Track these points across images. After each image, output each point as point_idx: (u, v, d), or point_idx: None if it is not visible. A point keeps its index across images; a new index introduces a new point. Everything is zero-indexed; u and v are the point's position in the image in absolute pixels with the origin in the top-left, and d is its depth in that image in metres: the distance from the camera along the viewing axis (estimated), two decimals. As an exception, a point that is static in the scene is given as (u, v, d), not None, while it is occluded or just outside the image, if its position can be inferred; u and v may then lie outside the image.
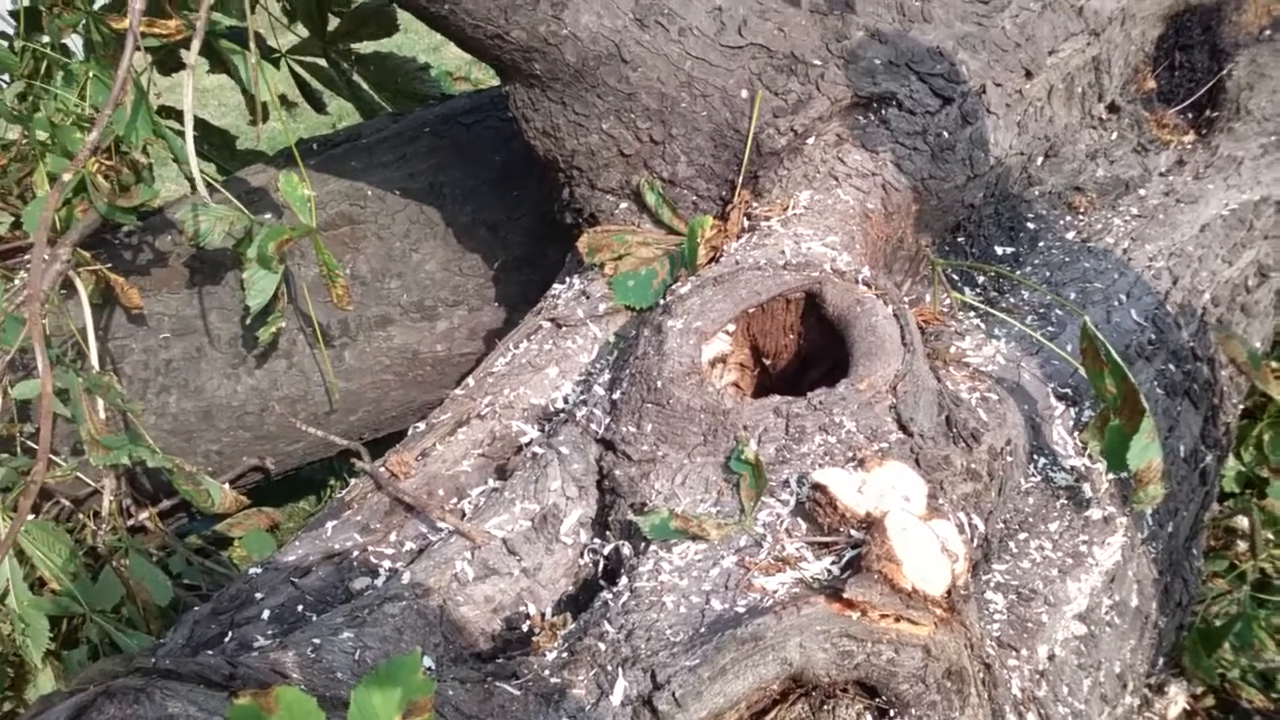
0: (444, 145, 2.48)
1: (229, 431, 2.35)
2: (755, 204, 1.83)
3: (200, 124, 2.57)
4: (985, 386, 1.66)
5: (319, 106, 2.79)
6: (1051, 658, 1.41)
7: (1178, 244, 2.01)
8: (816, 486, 1.28)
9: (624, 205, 1.94)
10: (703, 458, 1.38)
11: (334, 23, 2.58)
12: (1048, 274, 1.91)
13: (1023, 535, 1.53)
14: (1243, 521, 2.05)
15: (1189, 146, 2.30)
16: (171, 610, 1.96)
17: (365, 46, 2.64)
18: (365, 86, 2.68)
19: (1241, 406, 2.09)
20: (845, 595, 1.14)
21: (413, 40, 6.30)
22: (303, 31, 2.60)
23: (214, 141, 2.71)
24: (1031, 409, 1.66)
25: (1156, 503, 1.55)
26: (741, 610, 1.18)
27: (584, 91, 1.86)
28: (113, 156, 1.96)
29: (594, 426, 1.51)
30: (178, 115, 2.45)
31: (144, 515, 2.16)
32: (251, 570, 1.47)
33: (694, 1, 1.84)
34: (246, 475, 2.44)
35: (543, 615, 1.40)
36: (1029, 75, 2.09)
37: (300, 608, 1.40)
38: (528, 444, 1.62)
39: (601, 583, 1.41)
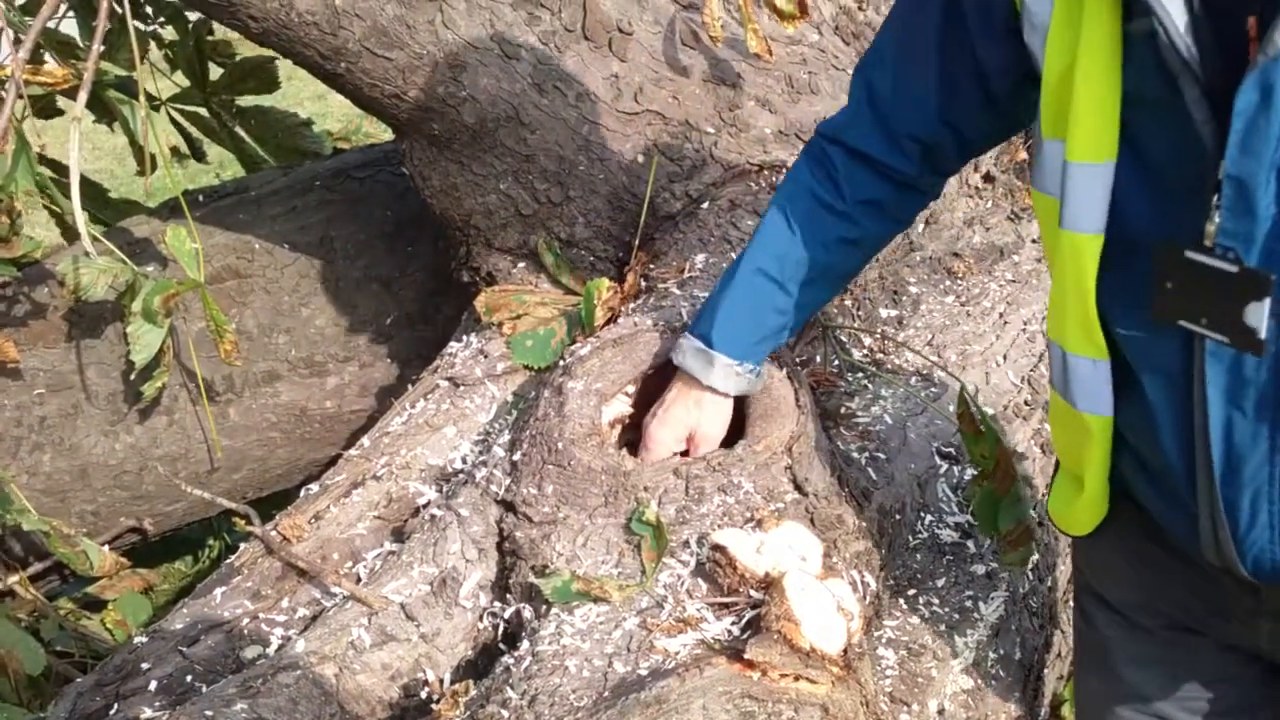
0: (335, 199, 2.47)
1: (105, 491, 2.27)
2: (652, 266, 1.87)
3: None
4: (874, 446, 1.71)
5: (199, 155, 2.74)
6: (941, 712, 1.45)
7: (1049, 308, 2.11)
8: (716, 547, 1.31)
9: (521, 265, 1.96)
10: (604, 519, 1.39)
11: (216, 74, 2.56)
12: (930, 336, 1.98)
13: (912, 591, 1.58)
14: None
15: (1057, 215, 2.43)
16: (43, 679, 1.87)
17: (247, 100, 2.61)
18: (247, 138, 2.64)
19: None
20: (746, 656, 1.17)
21: (298, 87, 6.23)
22: (183, 81, 2.56)
23: (86, 192, 2.63)
24: (917, 467, 1.72)
25: (1026, 564, 1.61)
26: (644, 672, 1.19)
27: (482, 152, 1.87)
28: (-13, 206, 1.90)
29: (494, 488, 1.51)
30: (49, 162, 2.37)
31: (13, 579, 2.06)
32: (137, 639, 1.43)
33: (591, 68, 1.88)
34: (123, 536, 2.35)
35: (441, 681, 1.39)
36: (910, 145, 2.18)
37: (189, 678, 1.36)
38: (426, 505, 1.61)
39: (502, 647, 1.40)
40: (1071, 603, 1.83)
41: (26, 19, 2.04)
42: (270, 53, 2.53)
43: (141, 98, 1.88)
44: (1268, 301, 0.94)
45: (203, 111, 2.59)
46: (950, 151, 1.33)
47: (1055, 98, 1.08)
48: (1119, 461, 1.19)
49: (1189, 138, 0.95)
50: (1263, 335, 0.95)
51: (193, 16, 2.49)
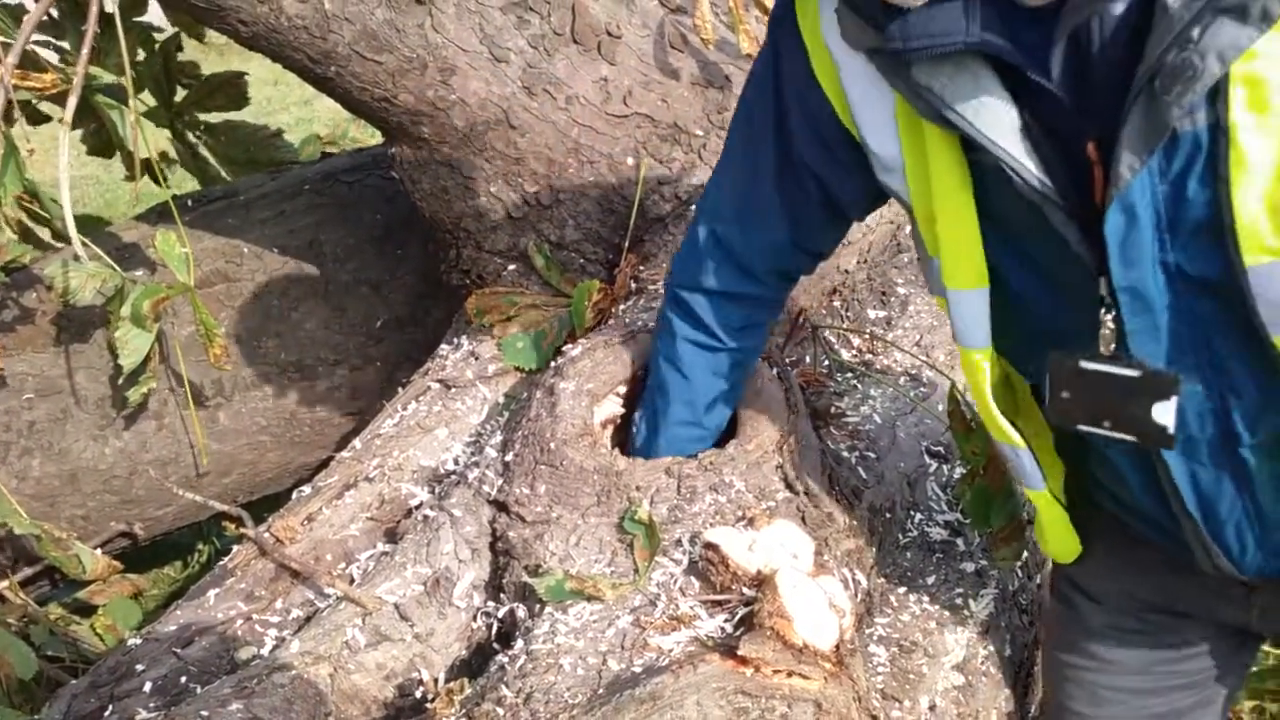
0: (324, 203, 2.47)
1: (95, 496, 2.26)
2: (642, 268, 1.88)
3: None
4: (864, 445, 1.73)
5: (157, 179, 2.72)
6: (932, 708, 1.46)
7: (1036, 308, 2.13)
8: (708, 545, 1.32)
9: (512, 267, 1.97)
10: (596, 518, 1.40)
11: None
12: (918, 337, 2.00)
13: (902, 589, 1.59)
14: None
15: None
16: (34, 684, 1.87)
17: (216, 116, 2.60)
18: (211, 160, 2.63)
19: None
20: (739, 652, 1.17)
21: (284, 92, 6.23)
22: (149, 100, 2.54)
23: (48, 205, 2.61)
24: (907, 466, 1.73)
25: (1018, 560, 1.62)
26: (638, 670, 1.20)
27: (472, 155, 1.88)
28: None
29: (486, 488, 1.51)
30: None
31: (3, 584, 2.06)
32: (131, 641, 1.43)
33: (580, 71, 1.89)
34: (113, 541, 2.34)
35: (436, 681, 1.39)
36: (897, 147, 2.20)
37: (184, 679, 1.36)
38: (418, 507, 1.62)
39: (496, 646, 1.41)
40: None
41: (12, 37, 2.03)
42: (239, 68, 2.55)
43: (132, 101, 1.88)
44: (1174, 400, 0.99)
45: (167, 132, 2.58)
46: (808, 264, 1.42)
47: (928, 227, 1.12)
48: (1098, 496, 1.23)
49: (1069, 251, 0.99)
50: (1172, 430, 1.00)
51: (160, 36, 2.48)
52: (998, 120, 0.94)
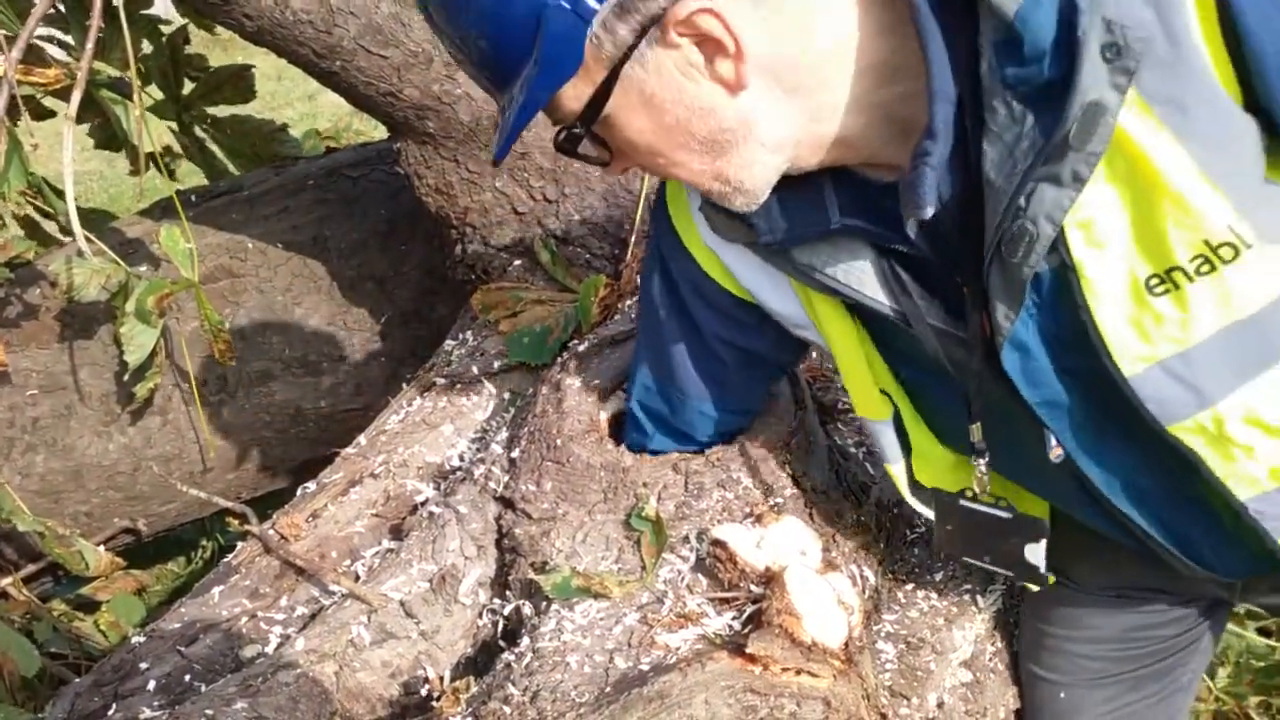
0: (329, 198, 2.46)
1: (99, 492, 2.26)
2: (648, 263, 1.87)
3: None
4: (871, 440, 1.72)
5: (169, 173, 2.71)
6: (941, 705, 1.45)
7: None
8: (716, 542, 1.31)
9: (518, 262, 1.96)
10: (603, 515, 1.40)
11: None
12: (926, 332, 1.98)
13: (910, 585, 1.58)
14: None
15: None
16: (37, 681, 1.86)
17: (223, 109, 2.59)
18: (219, 153, 2.62)
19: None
20: (748, 650, 1.17)
21: (288, 87, 6.22)
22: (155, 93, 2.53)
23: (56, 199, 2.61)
24: (914, 462, 1.72)
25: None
26: (646, 668, 1.19)
27: (477, 149, 1.87)
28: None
29: (492, 485, 1.50)
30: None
31: (7, 581, 2.05)
32: (134, 639, 1.42)
33: (587, 64, 1.88)
34: (116, 537, 2.34)
35: (441, 679, 1.39)
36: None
37: (188, 677, 1.35)
38: (424, 503, 1.61)
39: (501, 644, 1.40)
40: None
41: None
42: (246, 61, 2.53)
43: (137, 95, 1.88)
44: (1044, 543, 1.09)
45: (173, 126, 2.57)
46: (744, 422, 1.50)
47: None
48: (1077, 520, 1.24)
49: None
50: (1044, 570, 1.11)
51: (167, 29, 2.47)
52: (877, 283, 1.05)
